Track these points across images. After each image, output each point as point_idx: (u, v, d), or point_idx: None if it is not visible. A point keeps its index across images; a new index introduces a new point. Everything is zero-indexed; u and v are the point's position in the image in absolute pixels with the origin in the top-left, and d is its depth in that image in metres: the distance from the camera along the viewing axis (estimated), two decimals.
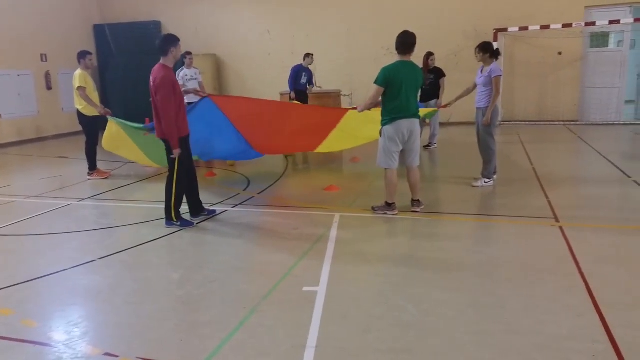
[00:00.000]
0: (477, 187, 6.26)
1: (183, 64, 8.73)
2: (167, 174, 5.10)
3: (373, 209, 5.38)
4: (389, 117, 5.03)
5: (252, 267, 4.20)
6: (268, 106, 7.10)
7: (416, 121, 5.13)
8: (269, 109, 7.03)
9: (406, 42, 4.95)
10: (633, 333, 2.83)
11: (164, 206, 5.16)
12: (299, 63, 10.02)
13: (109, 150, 7.67)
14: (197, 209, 5.41)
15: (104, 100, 7.91)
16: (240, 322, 3.11)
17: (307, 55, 10.05)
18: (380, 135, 5.15)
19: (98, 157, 7.88)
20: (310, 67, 10.06)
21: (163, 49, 4.87)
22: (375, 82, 4.99)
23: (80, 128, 7.82)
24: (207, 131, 6.57)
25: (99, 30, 14.76)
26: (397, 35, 5.03)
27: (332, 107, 9.38)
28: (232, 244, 4.73)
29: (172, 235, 4.90)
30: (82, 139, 7.83)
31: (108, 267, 4.18)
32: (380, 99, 5.09)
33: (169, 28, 14.74)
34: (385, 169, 5.20)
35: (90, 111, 7.53)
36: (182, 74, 9.11)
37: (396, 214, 5.24)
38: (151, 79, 4.90)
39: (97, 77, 14.28)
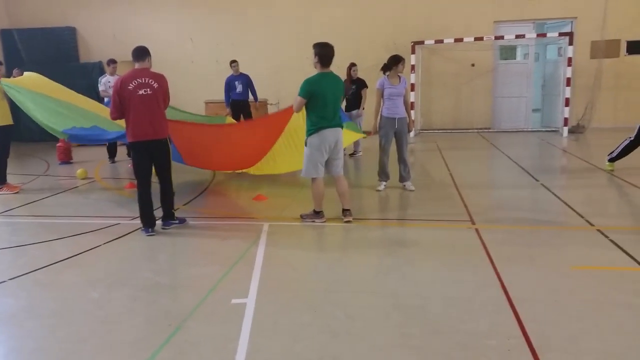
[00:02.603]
0: (413, 190, 6.57)
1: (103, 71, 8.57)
2: (159, 177, 5.25)
3: (301, 217, 5.43)
4: (314, 127, 5.10)
5: (178, 282, 4.09)
6: (210, 133, 7.08)
7: (340, 130, 5.24)
8: (210, 136, 6.99)
9: (327, 55, 5.07)
10: (542, 327, 3.04)
11: (144, 211, 5.16)
12: (230, 73, 10.28)
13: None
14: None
15: (15, 112, 7.39)
16: (165, 340, 3.02)
17: (231, 63, 10.31)
18: (306, 145, 5.21)
19: (8, 170, 7.37)
20: (243, 73, 10.29)
21: (140, 57, 5.14)
22: (299, 94, 5.08)
23: None
24: None
25: (7, 36, 13.78)
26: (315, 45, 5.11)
27: (273, 115, 8.86)
28: (155, 259, 4.58)
29: (90, 252, 4.67)
30: None
31: (21, 288, 3.92)
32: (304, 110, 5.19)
33: (85, 35, 14.10)
34: (313, 178, 5.26)
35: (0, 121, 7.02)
36: (105, 80, 9.28)
37: (324, 222, 5.32)
38: (144, 80, 4.99)
39: None
